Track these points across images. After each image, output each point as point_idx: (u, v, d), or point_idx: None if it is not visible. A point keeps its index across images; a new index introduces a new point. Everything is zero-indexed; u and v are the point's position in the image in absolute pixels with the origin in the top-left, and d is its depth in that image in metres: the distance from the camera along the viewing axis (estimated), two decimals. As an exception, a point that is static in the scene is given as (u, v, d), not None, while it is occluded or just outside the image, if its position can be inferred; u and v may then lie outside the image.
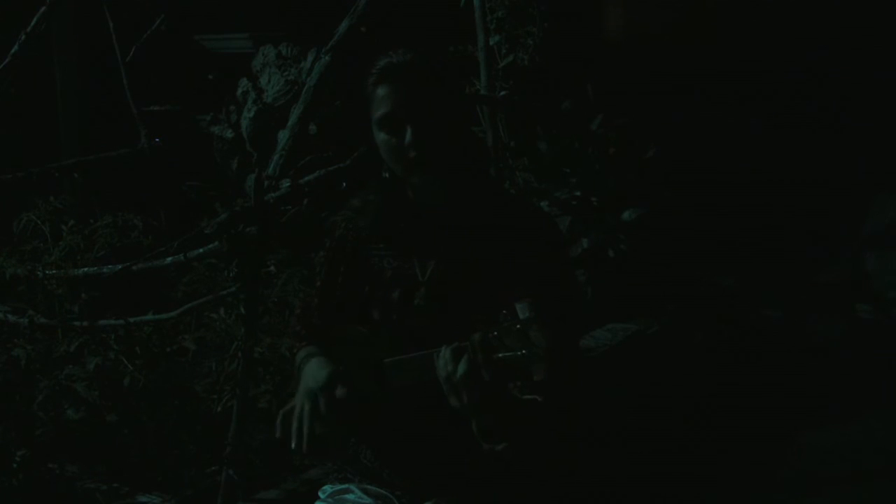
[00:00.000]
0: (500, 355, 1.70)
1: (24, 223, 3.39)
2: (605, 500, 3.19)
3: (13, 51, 3.05)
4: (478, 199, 1.99)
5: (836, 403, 4.09)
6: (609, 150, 4.69)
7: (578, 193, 4.56)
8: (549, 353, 1.66)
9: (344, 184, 2.87)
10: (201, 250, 2.91)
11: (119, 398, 3.15)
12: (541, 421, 1.85)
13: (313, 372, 1.99)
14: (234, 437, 2.84)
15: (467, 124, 2.12)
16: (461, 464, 1.96)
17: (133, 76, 2.92)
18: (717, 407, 3.96)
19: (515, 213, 2.01)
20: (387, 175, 2.00)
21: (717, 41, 5.51)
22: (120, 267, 3.01)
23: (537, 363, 1.67)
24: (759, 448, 3.75)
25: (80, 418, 3.14)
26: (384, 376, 1.88)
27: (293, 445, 1.95)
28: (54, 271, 3.21)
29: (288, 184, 2.92)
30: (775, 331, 4.82)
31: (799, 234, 5.21)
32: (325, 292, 2.12)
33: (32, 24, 3.05)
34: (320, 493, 2.07)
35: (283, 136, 3.12)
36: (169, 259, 2.96)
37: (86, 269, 3.18)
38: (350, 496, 2.02)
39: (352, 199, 2.12)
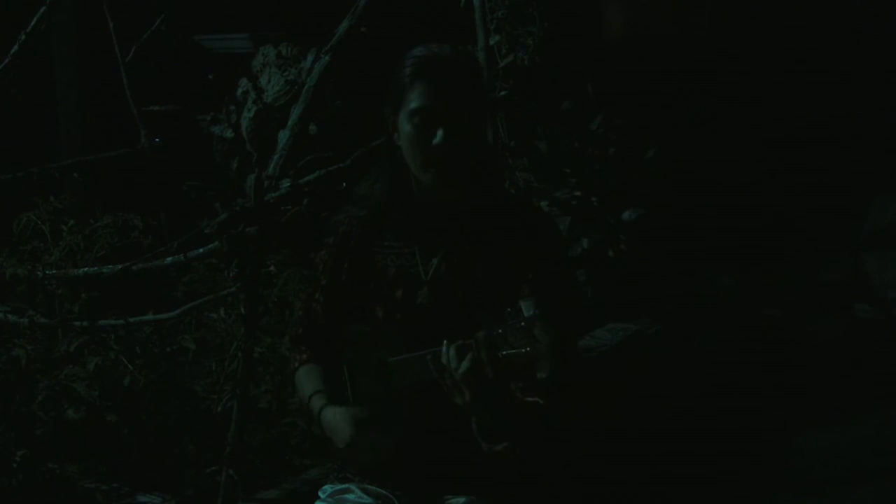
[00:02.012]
0: (504, 353, 1.70)
1: (24, 223, 3.39)
2: (605, 499, 3.19)
3: (13, 51, 3.04)
4: (482, 199, 1.99)
5: (836, 403, 4.09)
6: (609, 150, 4.69)
7: (578, 193, 4.56)
8: (553, 352, 1.66)
9: (344, 184, 2.87)
10: (201, 250, 2.90)
11: (119, 398, 3.15)
12: (541, 421, 1.85)
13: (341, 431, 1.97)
14: (234, 437, 2.83)
15: (486, 125, 2.12)
16: (461, 464, 1.96)
17: (133, 76, 2.92)
18: (717, 407, 3.96)
19: (517, 213, 2.00)
20: (398, 163, 1.99)
21: (717, 41, 5.51)
22: (120, 267, 3.01)
23: (541, 361, 1.67)
24: (759, 448, 3.75)
25: (80, 418, 3.14)
26: (388, 376, 1.87)
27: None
28: (54, 271, 3.20)
29: (288, 184, 2.92)
30: (775, 331, 4.82)
31: (799, 234, 5.21)
32: (329, 291, 2.12)
33: (32, 24, 3.05)
34: (320, 493, 2.06)
35: (283, 136, 3.12)
36: (169, 259, 2.95)
37: (86, 269, 3.17)
38: (350, 496, 2.02)
39: (356, 185, 2.11)
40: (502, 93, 4.13)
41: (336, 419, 1.97)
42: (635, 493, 3.36)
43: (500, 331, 1.70)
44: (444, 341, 1.78)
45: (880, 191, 5.22)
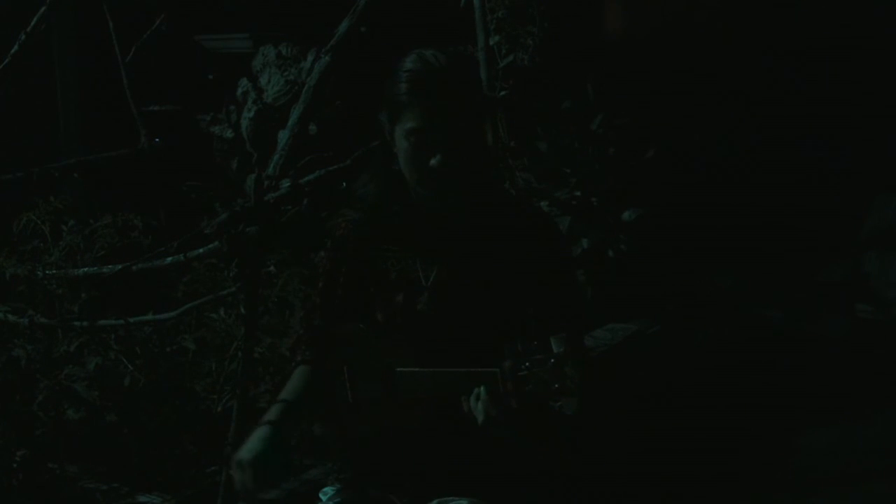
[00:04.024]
0: (531, 387, 1.67)
1: (24, 223, 3.39)
2: (604, 499, 3.19)
3: (13, 51, 3.05)
4: (482, 203, 1.98)
5: (836, 403, 4.09)
6: (609, 150, 4.69)
7: (578, 193, 4.56)
8: (584, 386, 1.64)
9: (344, 184, 2.87)
10: (201, 250, 2.90)
11: (119, 398, 3.15)
12: (573, 427, 1.84)
13: (253, 437, 1.97)
14: (234, 437, 2.83)
15: (484, 131, 2.10)
16: (462, 465, 1.96)
17: (133, 76, 2.92)
18: (717, 407, 3.96)
19: (519, 217, 2.00)
20: (395, 168, 1.98)
21: (718, 40, 5.51)
22: (120, 267, 3.01)
23: (570, 397, 1.65)
24: (759, 448, 3.75)
25: (80, 418, 3.14)
26: (394, 385, 1.86)
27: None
28: (54, 271, 3.20)
29: (288, 184, 2.92)
30: (775, 331, 4.82)
31: (799, 234, 5.21)
32: (327, 293, 2.11)
33: (32, 24, 3.05)
34: (321, 495, 2.06)
35: (283, 136, 3.12)
36: (169, 259, 2.96)
37: (86, 269, 3.17)
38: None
39: (354, 186, 2.10)
40: (502, 93, 4.14)
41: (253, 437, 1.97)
42: (635, 493, 3.35)
43: (527, 364, 1.67)
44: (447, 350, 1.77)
45: (880, 191, 5.21)
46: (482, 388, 1.73)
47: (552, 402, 1.66)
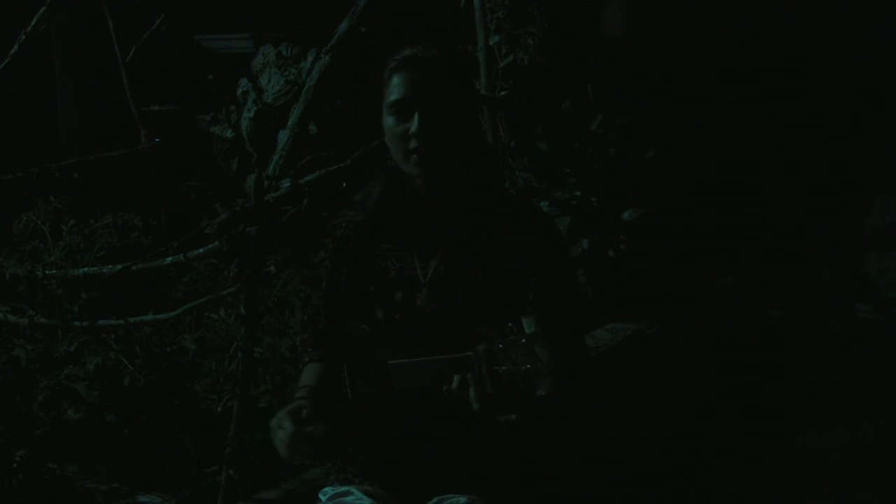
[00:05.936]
0: (504, 368, 1.69)
1: (24, 223, 3.39)
2: (603, 499, 3.19)
3: (13, 51, 3.04)
4: (480, 200, 1.99)
5: (836, 403, 4.09)
6: (609, 150, 4.69)
7: (578, 193, 4.56)
8: (554, 367, 1.65)
9: (344, 184, 2.87)
10: (201, 250, 2.90)
11: (119, 398, 3.15)
12: (554, 415, 1.85)
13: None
14: (234, 437, 2.84)
15: (475, 124, 2.12)
16: (462, 464, 1.96)
17: (133, 76, 2.92)
18: (717, 407, 3.96)
19: (518, 215, 2.00)
20: (390, 164, 2.00)
21: (717, 40, 5.51)
22: (120, 267, 3.01)
23: (541, 378, 1.67)
24: (759, 448, 3.75)
25: (80, 418, 3.14)
26: (387, 378, 1.87)
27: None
28: (54, 271, 3.20)
29: (288, 184, 2.92)
30: (775, 331, 4.82)
31: (799, 234, 5.21)
32: (329, 294, 2.12)
33: (32, 24, 3.05)
34: (321, 496, 2.06)
35: (283, 136, 3.12)
36: (169, 259, 2.96)
37: (86, 269, 3.17)
38: (349, 498, 2.02)
39: (355, 193, 2.12)
40: (502, 93, 4.14)
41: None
42: (634, 493, 3.36)
43: (500, 346, 1.69)
44: (446, 346, 1.78)
45: (880, 191, 5.22)
46: (469, 376, 1.74)
47: (523, 383, 1.68)
